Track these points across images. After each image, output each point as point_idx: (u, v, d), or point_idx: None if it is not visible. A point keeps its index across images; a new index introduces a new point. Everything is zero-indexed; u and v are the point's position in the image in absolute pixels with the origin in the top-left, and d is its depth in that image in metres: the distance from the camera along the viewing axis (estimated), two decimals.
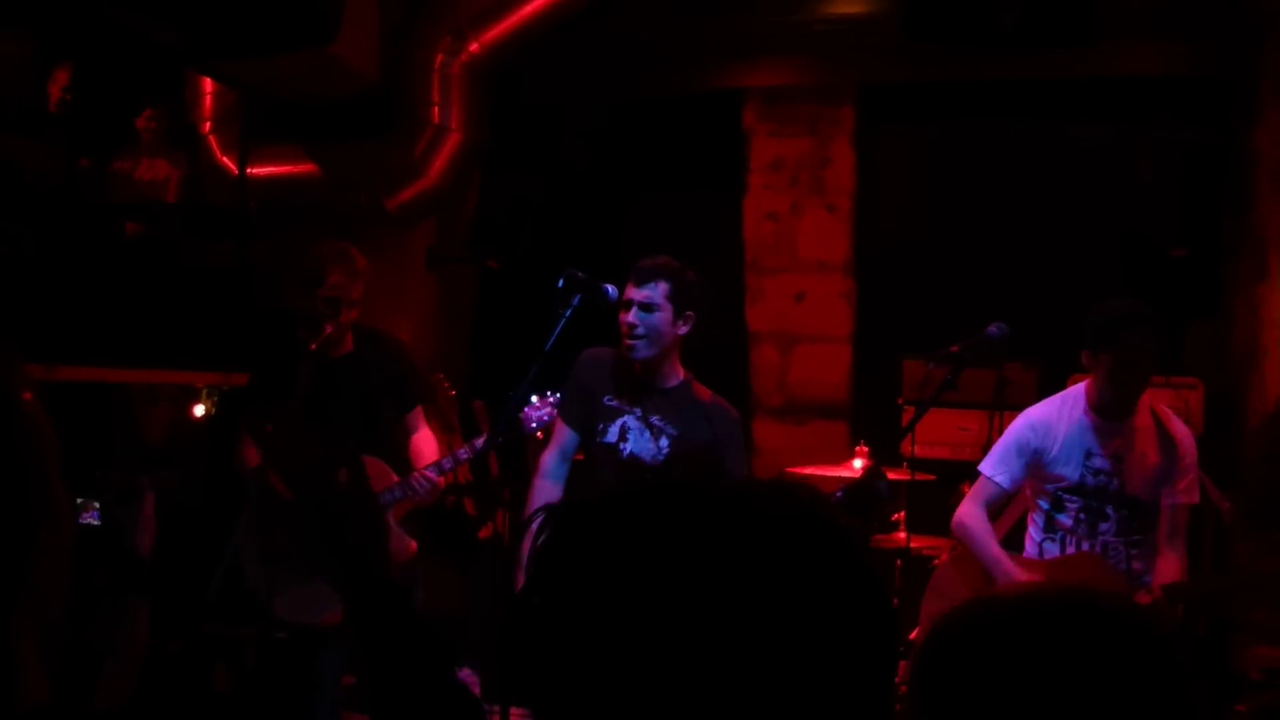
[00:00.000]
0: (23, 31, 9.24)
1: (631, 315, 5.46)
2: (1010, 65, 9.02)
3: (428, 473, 6.19)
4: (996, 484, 5.82)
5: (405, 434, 6.54)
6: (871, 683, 1.35)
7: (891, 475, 6.64)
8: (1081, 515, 5.73)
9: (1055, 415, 5.81)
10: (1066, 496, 5.75)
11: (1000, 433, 7.26)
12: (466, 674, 7.92)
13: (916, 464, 6.84)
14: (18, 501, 1.75)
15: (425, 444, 6.52)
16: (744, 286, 9.68)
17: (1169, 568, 5.64)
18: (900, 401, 8.63)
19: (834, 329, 9.51)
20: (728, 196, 9.91)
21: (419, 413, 6.65)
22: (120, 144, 10.04)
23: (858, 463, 7.19)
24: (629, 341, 5.49)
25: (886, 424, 8.55)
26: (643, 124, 11.01)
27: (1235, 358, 8.39)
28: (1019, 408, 8.23)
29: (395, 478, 6.21)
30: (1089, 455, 5.69)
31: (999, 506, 5.98)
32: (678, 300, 5.51)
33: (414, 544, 6.32)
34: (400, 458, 6.41)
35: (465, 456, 6.24)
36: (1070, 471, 5.72)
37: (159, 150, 9.96)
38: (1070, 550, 5.73)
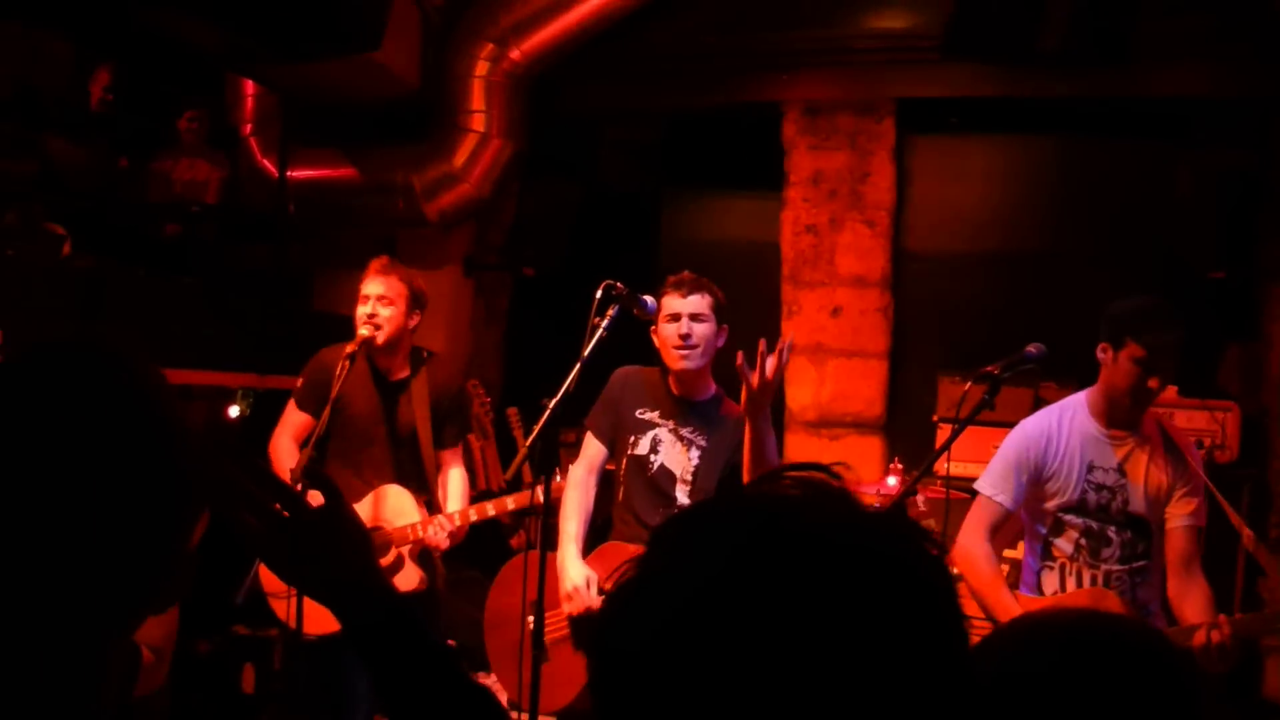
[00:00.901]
0: (64, 31, 9.29)
1: (684, 325, 5.53)
2: (1050, 83, 9.00)
3: (446, 522, 6.29)
4: (998, 504, 5.50)
5: (439, 468, 6.62)
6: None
7: (926, 493, 6.64)
8: (1082, 540, 5.37)
9: (1055, 426, 5.53)
10: (1066, 517, 5.40)
11: None
12: (492, 680, 7.93)
13: (951, 482, 6.81)
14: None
15: (455, 484, 6.60)
16: (780, 299, 9.65)
17: (1199, 599, 5.19)
18: (935, 419, 8.62)
19: (870, 344, 9.48)
20: (766, 209, 9.90)
21: (457, 452, 6.72)
22: (160, 144, 10.08)
23: (892, 480, 7.17)
24: (684, 351, 5.55)
25: (921, 441, 8.54)
26: (681, 135, 11.02)
27: (1271, 381, 8.36)
28: None
29: (418, 516, 6.32)
30: (1090, 469, 5.39)
31: (1001, 529, 5.62)
32: (718, 313, 5.61)
33: (424, 578, 6.38)
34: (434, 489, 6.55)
35: (494, 514, 6.38)
36: (1070, 487, 5.40)
37: (200, 151, 10.02)
38: (1070, 580, 5.40)
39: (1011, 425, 8.02)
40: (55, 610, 1.67)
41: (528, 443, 5.10)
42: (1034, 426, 5.58)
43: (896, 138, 9.55)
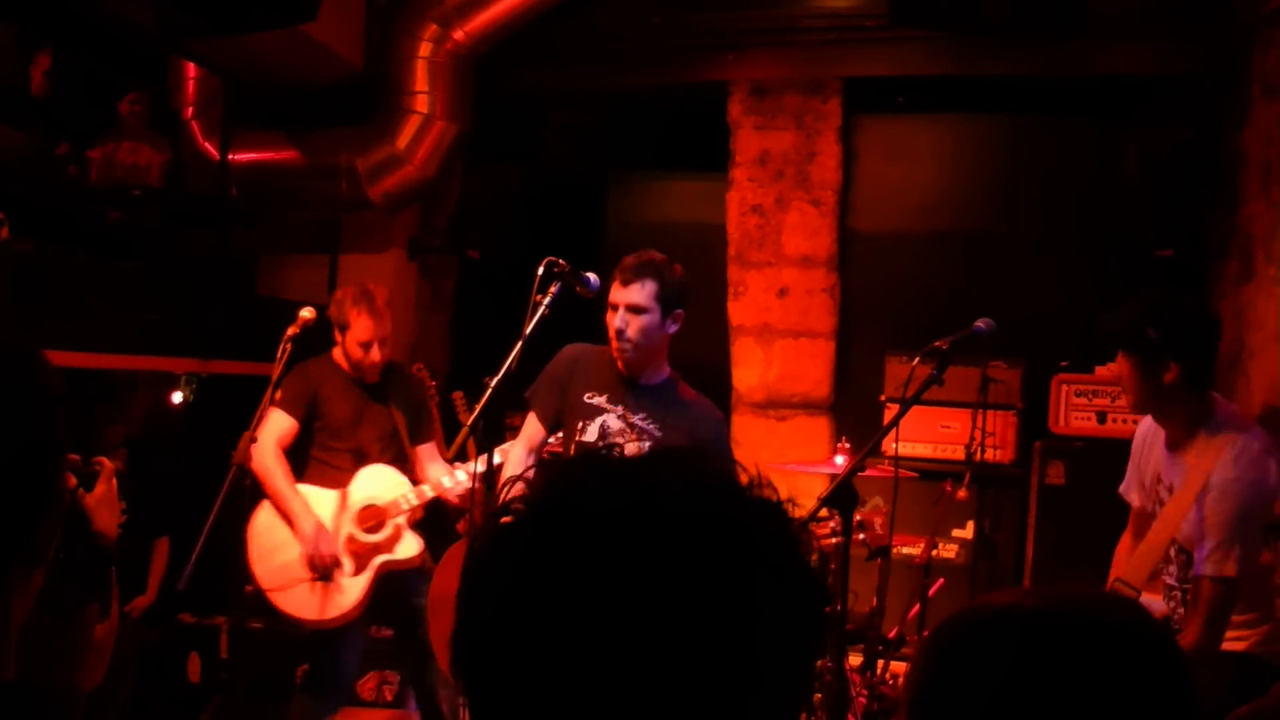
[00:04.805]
0: (3, 14, 9.17)
1: (618, 319, 5.30)
2: (998, 61, 9.01)
3: (448, 481, 6.63)
4: (1129, 502, 5.19)
5: (416, 462, 6.88)
6: (794, 676, 1.32)
7: (873, 473, 6.61)
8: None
9: (1153, 423, 4.98)
10: (1144, 526, 4.98)
11: (982, 432, 7.18)
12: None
13: (899, 462, 6.78)
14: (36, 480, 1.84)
15: (437, 472, 6.78)
16: (726, 280, 9.62)
17: None
18: (882, 399, 8.61)
19: (818, 324, 9.46)
20: (713, 190, 9.87)
21: (432, 447, 6.99)
22: (101, 129, 9.96)
23: (839, 459, 7.15)
24: (619, 344, 5.34)
25: (869, 421, 8.52)
26: (627, 116, 10.99)
27: (1221, 360, 8.35)
28: (1002, 407, 8.24)
29: (407, 486, 6.63)
30: (1158, 479, 4.89)
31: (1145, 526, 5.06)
32: (665, 300, 5.34)
33: (423, 547, 6.68)
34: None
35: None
36: (1145, 495, 5.04)
37: (142, 135, 9.88)
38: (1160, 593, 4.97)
39: (959, 405, 8.06)
40: None
41: (469, 421, 5.06)
42: (1145, 421, 5.10)
43: (843, 117, 9.53)
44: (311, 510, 6.49)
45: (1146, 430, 5.06)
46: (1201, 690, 1.64)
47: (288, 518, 6.47)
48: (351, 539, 6.48)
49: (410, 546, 6.55)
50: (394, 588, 6.55)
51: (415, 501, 6.50)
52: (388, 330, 6.62)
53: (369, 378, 6.71)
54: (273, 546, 6.45)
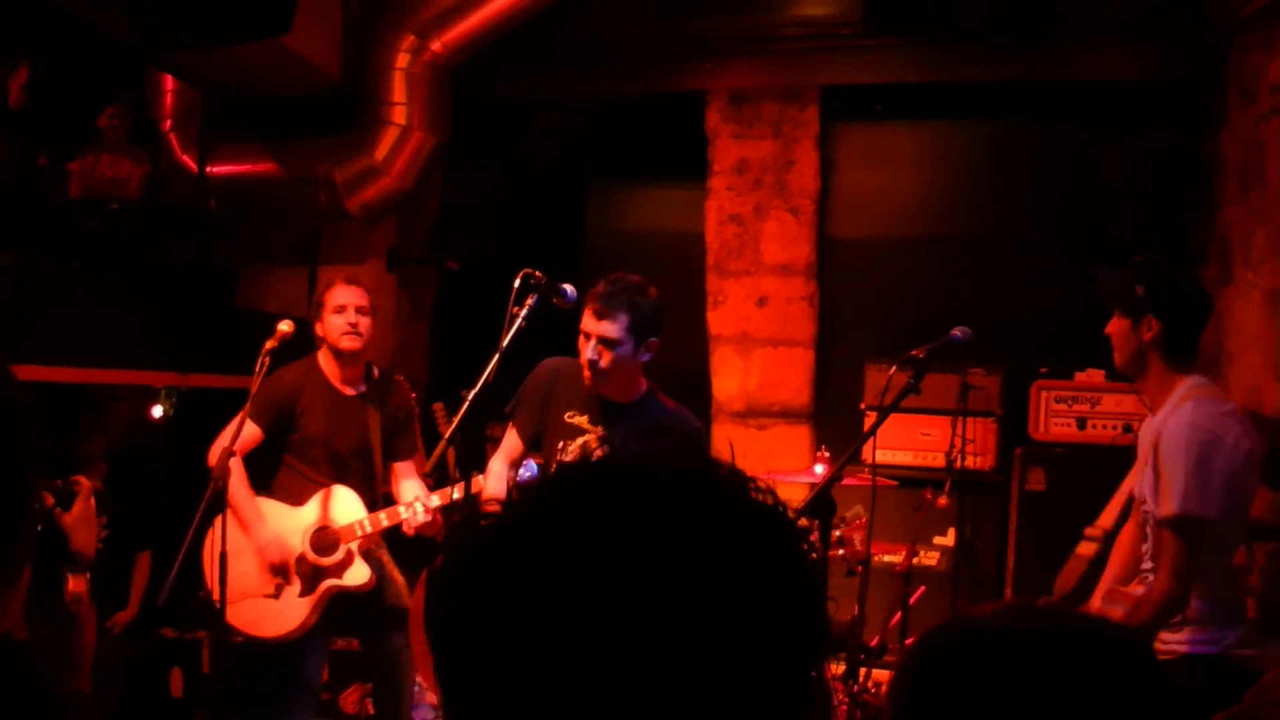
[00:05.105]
0: None
1: (590, 350, 5.18)
2: (977, 67, 9.01)
3: (404, 512, 6.43)
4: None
5: (393, 478, 6.81)
6: (792, 681, 1.27)
7: (853, 481, 6.60)
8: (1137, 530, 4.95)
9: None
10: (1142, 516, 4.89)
11: (962, 439, 7.17)
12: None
13: (878, 470, 6.78)
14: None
15: (411, 491, 6.66)
16: (705, 289, 9.62)
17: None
18: (862, 407, 8.60)
19: (796, 333, 9.46)
20: (693, 198, 9.87)
21: (411, 465, 6.85)
22: (81, 142, 9.95)
23: (819, 468, 7.14)
24: (589, 373, 5.23)
25: (849, 429, 8.52)
26: (609, 123, 10.98)
27: (1200, 364, 8.36)
28: (981, 414, 8.24)
29: (364, 514, 6.46)
30: (1146, 461, 4.76)
31: None
32: (638, 331, 5.21)
33: (372, 575, 6.49)
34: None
35: (438, 504, 6.42)
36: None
37: (121, 148, 9.86)
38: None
39: (939, 413, 8.07)
40: None
41: (448, 434, 5.05)
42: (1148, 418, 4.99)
43: (821, 125, 9.53)
44: (265, 519, 6.41)
45: (1146, 426, 4.95)
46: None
47: (241, 523, 6.36)
48: (302, 559, 6.39)
49: (359, 574, 6.41)
50: (356, 597, 6.49)
51: (370, 529, 6.38)
52: (364, 300, 6.50)
53: (354, 376, 6.61)
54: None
